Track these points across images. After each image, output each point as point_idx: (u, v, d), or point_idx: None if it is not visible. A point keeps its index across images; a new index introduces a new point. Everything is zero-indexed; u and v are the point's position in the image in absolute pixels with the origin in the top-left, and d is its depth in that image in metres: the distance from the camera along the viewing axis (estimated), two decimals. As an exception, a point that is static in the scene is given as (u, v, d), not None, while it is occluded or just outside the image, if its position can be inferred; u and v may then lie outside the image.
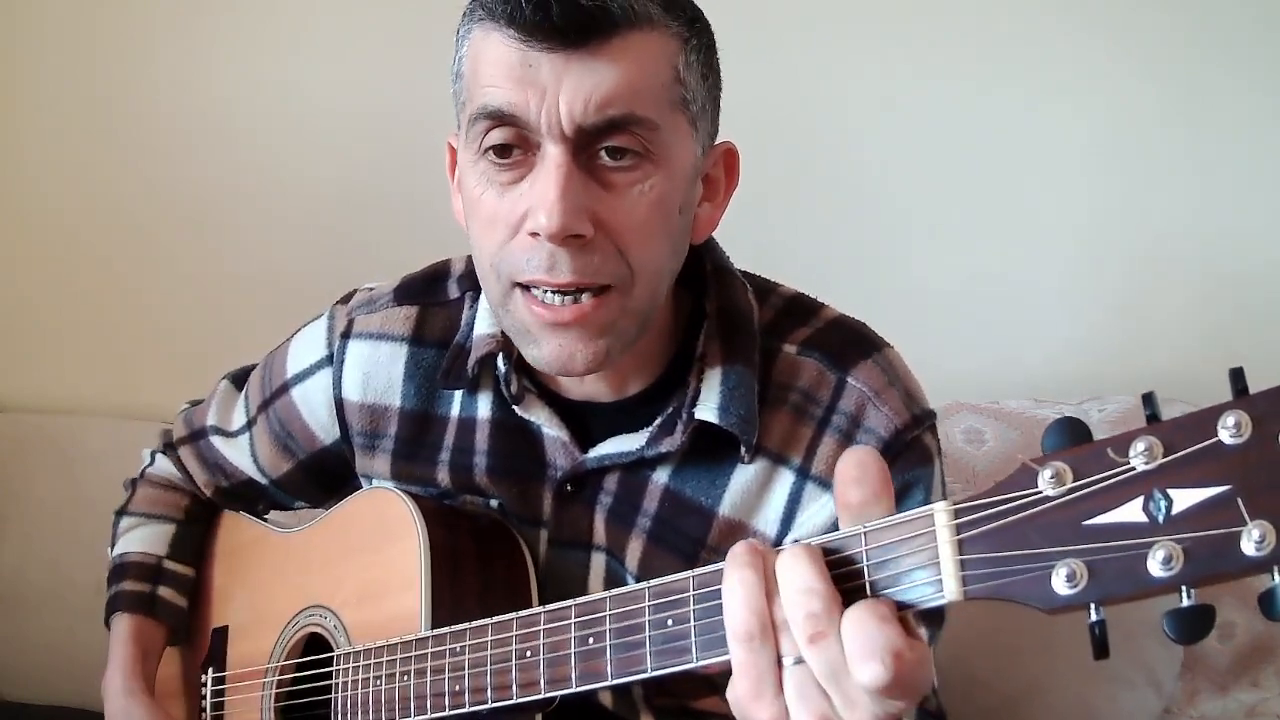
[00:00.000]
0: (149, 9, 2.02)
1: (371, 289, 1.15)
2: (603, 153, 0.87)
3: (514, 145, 0.88)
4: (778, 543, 0.97)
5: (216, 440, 1.25)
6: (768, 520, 0.98)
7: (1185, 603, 0.55)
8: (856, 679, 0.62)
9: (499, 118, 0.86)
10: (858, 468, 0.67)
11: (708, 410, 0.95)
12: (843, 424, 0.97)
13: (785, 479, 0.98)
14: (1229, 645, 1.48)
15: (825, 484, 0.96)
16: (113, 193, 2.08)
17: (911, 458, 0.97)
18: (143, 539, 1.26)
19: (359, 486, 1.17)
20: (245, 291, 2.03)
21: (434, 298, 1.11)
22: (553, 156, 0.86)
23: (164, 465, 1.31)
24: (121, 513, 1.30)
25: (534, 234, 0.87)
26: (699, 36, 0.92)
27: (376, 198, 1.94)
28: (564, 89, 0.84)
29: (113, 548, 1.28)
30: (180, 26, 2.01)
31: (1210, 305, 1.72)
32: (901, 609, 0.65)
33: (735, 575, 0.68)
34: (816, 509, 0.97)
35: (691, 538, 0.99)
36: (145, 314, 2.10)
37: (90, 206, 2.09)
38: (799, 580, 0.66)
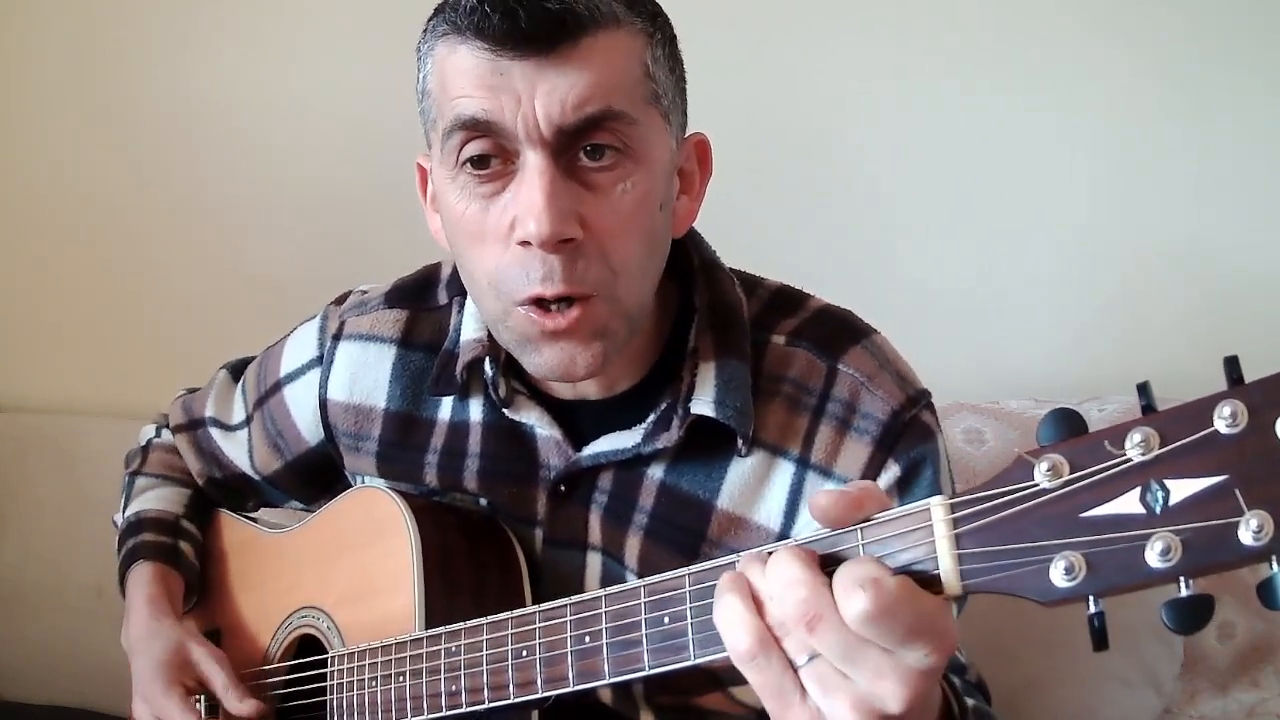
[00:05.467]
0: (148, 9, 2.02)
1: (365, 291, 1.16)
2: (582, 154, 0.87)
3: (491, 155, 0.87)
4: (782, 537, 0.97)
5: (215, 433, 1.26)
6: (770, 514, 0.97)
7: (1184, 593, 0.55)
8: (846, 617, 0.62)
9: (474, 126, 0.86)
10: (821, 512, 0.68)
11: (704, 404, 0.95)
12: (838, 411, 0.97)
13: (785, 470, 0.97)
14: (1229, 645, 1.48)
15: (826, 472, 0.96)
16: (112, 193, 2.08)
17: (913, 436, 0.96)
18: (159, 498, 1.26)
19: (349, 486, 1.17)
20: (244, 292, 2.03)
21: (424, 303, 1.11)
22: (534, 163, 0.85)
23: (170, 439, 1.31)
24: (136, 473, 1.30)
25: (524, 243, 0.86)
26: (662, 30, 0.92)
27: (376, 199, 1.94)
28: (539, 94, 0.84)
29: (125, 507, 1.27)
30: (179, 27, 2.02)
31: (1210, 305, 1.71)
32: None
33: (719, 605, 0.68)
34: None
35: (692, 531, 0.98)
36: (145, 314, 2.10)
37: (90, 206, 2.09)
38: (782, 576, 0.66)
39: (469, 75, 0.86)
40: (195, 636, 1.13)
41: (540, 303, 0.88)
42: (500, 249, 0.89)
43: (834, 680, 0.64)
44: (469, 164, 0.88)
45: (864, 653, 0.63)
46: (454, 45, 0.87)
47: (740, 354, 0.97)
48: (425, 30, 0.92)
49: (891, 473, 0.95)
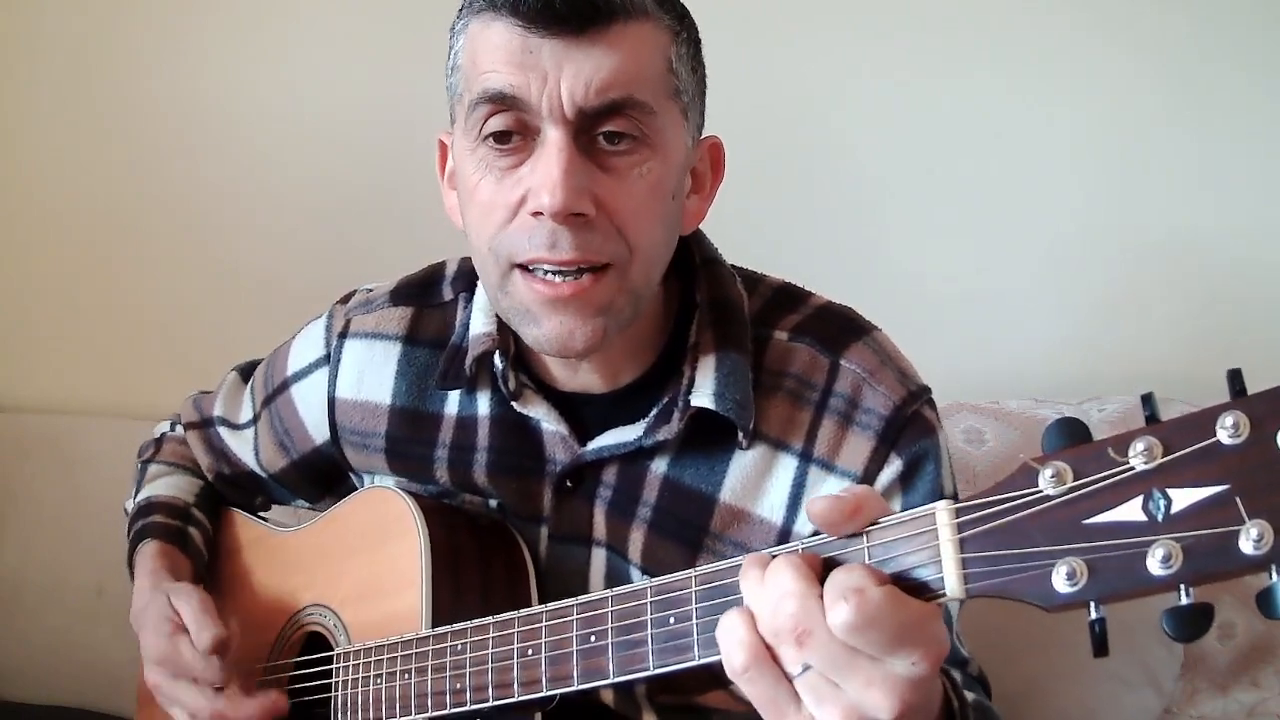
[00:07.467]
0: (148, 9, 2.02)
1: (370, 290, 1.17)
2: (601, 137, 0.89)
3: (514, 131, 0.90)
4: (785, 531, 0.98)
5: (224, 431, 1.28)
6: (772, 507, 0.99)
7: (1184, 601, 0.56)
8: (831, 626, 0.63)
9: (500, 100, 0.89)
10: (818, 518, 0.69)
11: (704, 397, 0.96)
12: (840, 406, 0.98)
13: (787, 464, 0.98)
14: (1229, 645, 1.48)
15: (829, 466, 0.98)
16: (112, 193, 2.08)
17: (914, 432, 0.98)
18: (171, 485, 1.27)
19: (354, 486, 1.18)
20: (245, 292, 2.03)
21: (429, 299, 1.12)
22: (554, 139, 0.88)
23: (182, 434, 1.33)
24: (149, 461, 1.31)
25: (536, 213, 0.89)
26: (688, 31, 0.95)
27: (376, 199, 1.94)
28: (565, 73, 0.87)
29: (136, 493, 1.28)
30: (179, 27, 2.02)
31: (1210, 305, 1.72)
32: None
33: (723, 618, 0.70)
34: (825, 492, 0.95)
35: (694, 525, 1.00)
36: (145, 314, 2.10)
37: (90, 206, 2.09)
38: (776, 589, 0.67)
39: (500, 51, 0.88)
40: (178, 583, 1.10)
41: (532, 268, 0.90)
42: (506, 217, 0.91)
43: (826, 690, 0.65)
44: (492, 137, 0.90)
45: (853, 662, 0.64)
46: (488, 21, 0.90)
47: (740, 348, 0.99)
48: (462, 7, 0.94)
49: (894, 467, 0.97)
